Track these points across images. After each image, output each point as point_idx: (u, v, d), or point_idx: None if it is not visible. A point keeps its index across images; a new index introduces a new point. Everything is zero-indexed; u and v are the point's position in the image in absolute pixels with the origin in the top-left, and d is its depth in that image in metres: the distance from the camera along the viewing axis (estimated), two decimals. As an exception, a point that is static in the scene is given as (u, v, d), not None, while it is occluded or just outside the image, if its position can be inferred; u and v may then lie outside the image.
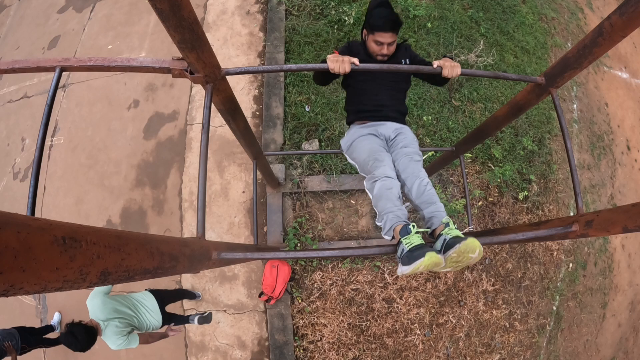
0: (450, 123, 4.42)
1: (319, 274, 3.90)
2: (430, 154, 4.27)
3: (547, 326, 4.49)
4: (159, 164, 4.29)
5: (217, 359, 3.83)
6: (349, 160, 2.03)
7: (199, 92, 4.49)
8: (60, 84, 4.31)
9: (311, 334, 3.85)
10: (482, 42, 4.88)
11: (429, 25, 4.87)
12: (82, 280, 0.63)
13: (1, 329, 3.15)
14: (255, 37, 4.74)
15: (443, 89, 4.58)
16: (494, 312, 4.19)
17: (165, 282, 3.95)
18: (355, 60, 1.59)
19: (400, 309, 3.96)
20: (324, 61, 1.67)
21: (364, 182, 1.80)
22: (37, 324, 3.75)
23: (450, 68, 1.60)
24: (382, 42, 1.82)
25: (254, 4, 4.92)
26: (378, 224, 1.64)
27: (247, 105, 4.41)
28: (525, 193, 4.43)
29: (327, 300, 3.87)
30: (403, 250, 1.37)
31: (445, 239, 1.40)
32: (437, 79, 1.86)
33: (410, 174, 1.72)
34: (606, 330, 5.02)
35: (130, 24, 4.99)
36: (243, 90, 4.50)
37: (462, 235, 1.36)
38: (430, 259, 1.28)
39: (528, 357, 4.36)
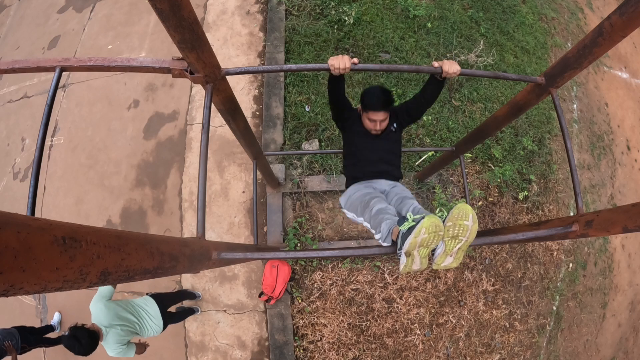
0: (450, 123, 4.42)
1: (319, 274, 3.90)
2: (430, 154, 4.27)
3: (547, 326, 4.49)
4: (159, 164, 4.29)
5: (217, 359, 3.83)
6: (348, 215, 2.12)
7: (199, 92, 4.49)
8: (60, 84, 4.31)
9: (311, 334, 3.85)
10: (482, 42, 4.88)
11: (429, 25, 4.87)
12: (82, 280, 0.63)
13: (1, 329, 3.16)
14: (255, 37, 4.75)
15: (443, 89, 4.57)
16: (494, 312, 4.19)
17: (165, 282, 3.95)
18: (355, 59, 1.61)
19: (400, 309, 3.96)
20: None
21: (362, 222, 1.91)
22: (37, 324, 3.76)
23: (450, 64, 1.64)
24: (374, 120, 2.00)
25: (254, 4, 4.92)
26: (377, 237, 1.69)
27: (247, 105, 4.41)
28: (525, 193, 4.43)
29: (327, 300, 3.87)
30: (402, 232, 1.40)
31: (439, 218, 1.44)
32: (433, 87, 1.92)
33: (405, 205, 1.84)
34: (606, 330, 5.02)
35: (130, 24, 4.99)
36: (243, 90, 4.50)
37: None
38: (429, 219, 1.27)
39: (528, 357, 4.36)
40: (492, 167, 4.42)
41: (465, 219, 1.28)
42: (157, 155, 4.32)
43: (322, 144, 4.20)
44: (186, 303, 3.86)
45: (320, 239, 3.98)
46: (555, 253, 4.58)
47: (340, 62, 1.59)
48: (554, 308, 4.55)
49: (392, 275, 3.98)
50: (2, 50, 5.40)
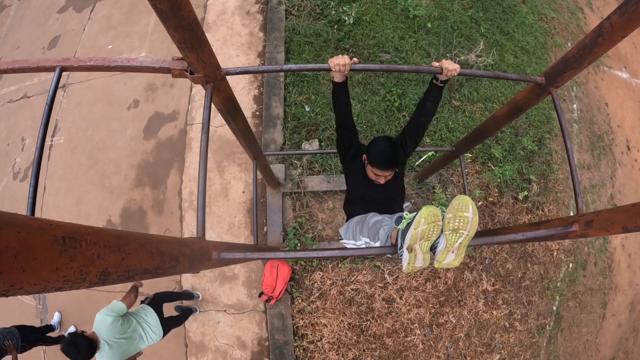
0: (450, 123, 4.42)
1: (319, 274, 3.90)
2: (430, 153, 4.27)
3: (547, 326, 4.49)
4: (159, 164, 4.29)
5: (217, 359, 3.83)
6: (347, 245, 2.12)
7: (199, 92, 4.49)
8: (60, 84, 4.31)
9: (311, 334, 3.85)
10: (482, 42, 4.88)
11: (429, 25, 4.87)
12: (82, 280, 0.63)
13: (1, 328, 3.16)
14: (255, 37, 4.74)
15: (443, 90, 4.57)
16: (494, 312, 4.19)
17: (165, 282, 3.95)
18: (355, 59, 1.60)
19: (400, 309, 3.96)
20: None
21: (362, 243, 1.94)
22: (37, 324, 3.75)
23: (449, 63, 1.64)
24: (379, 175, 1.96)
25: (254, 4, 4.92)
26: (376, 245, 1.71)
27: (247, 105, 4.41)
28: (525, 193, 4.43)
29: (327, 300, 3.87)
30: (400, 230, 1.40)
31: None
32: (433, 97, 1.90)
33: (400, 218, 1.86)
34: (606, 330, 5.02)
35: (130, 24, 4.99)
36: (243, 90, 4.50)
37: None
38: (427, 209, 1.27)
39: (528, 357, 4.36)
40: (492, 167, 4.42)
41: (466, 211, 1.27)
42: (157, 155, 4.32)
43: (322, 144, 4.20)
44: (186, 302, 3.87)
45: (320, 239, 3.98)
46: (555, 253, 4.58)
47: (340, 60, 1.60)
48: (554, 308, 4.55)
49: (392, 275, 3.98)
50: (2, 50, 5.40)
